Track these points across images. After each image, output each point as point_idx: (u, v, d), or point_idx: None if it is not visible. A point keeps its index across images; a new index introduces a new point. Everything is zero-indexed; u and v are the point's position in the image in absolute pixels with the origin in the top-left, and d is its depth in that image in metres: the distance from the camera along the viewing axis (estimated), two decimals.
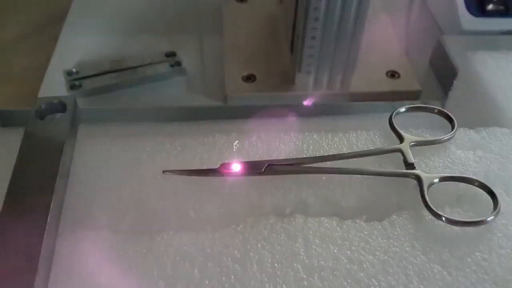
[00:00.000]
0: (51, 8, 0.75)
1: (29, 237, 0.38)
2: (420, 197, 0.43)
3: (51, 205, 0.40)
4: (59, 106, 0.48)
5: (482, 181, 0.44)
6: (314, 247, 0.41)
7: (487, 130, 0.51)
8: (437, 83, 0.64)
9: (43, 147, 0.45)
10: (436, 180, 0.44)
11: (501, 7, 0.64)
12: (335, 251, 0.41)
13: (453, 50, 0.61)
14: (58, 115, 0.48)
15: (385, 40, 0.67)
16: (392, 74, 0.62)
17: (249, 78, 0.61)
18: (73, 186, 0.45)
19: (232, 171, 0.45)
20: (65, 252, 0.40)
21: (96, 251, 0.40)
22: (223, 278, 0.39)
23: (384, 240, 0.41)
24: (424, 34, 0.71)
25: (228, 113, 0.55)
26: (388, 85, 0.61)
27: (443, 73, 0.63)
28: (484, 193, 0.44)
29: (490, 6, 0.64)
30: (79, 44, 0.66)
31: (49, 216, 0.39)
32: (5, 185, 0.42)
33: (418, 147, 0.48)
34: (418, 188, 0.44)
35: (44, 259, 0.38)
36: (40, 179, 0.42)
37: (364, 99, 0.59)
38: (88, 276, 0.39)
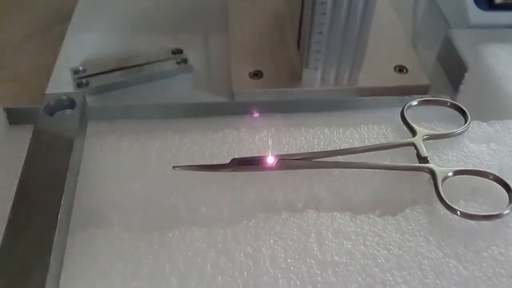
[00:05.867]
0: (57, 7, 0.75)
1: (40, 235, 0.38)
2: (434, 191, 0.43)
3: (62, 202, 0.40)
4: (68, 102, 0.47)
5: (497, 174, 0.44)
6: (328, 242, 0.40)
7: (500, 123, 0.50)
8: (446, 78, 0.63)
9: (52, 144, 0.44)
10: (450, 173, 0.44)
11: (510, 1, 0.64)
12: (348, 246, 0.40)
13: (461, 44, 0.61)
14: (68, 111, 0.47)
15: (393, 34, 0.67)
16: (400, 69, 0.61)
17: (256, 75, 0.60)
18: (83, 183, 0.45)
19: (243, 166, 0.44)
20: (77, 249, 0.40)
21: (107, 248, 0.40)
22: (236, 274, 0.38)
23: (398, 235, 0.41)
24: (432, 29, 0.71)
25: (236, 109, 0.54)
26: (396, 80, 0.60)
27: (451, 68, 0.62)
28: (499, 186, 0.43)
29: (498, 0, 0.63)
30: (86, 42, 0.66)
31: (59, 214, 0.39)
32: (15, 182, 0.41)
33: (431, 140, 0.47)
34: (432, 182, 0.44)
35: (56, 256, 0.37)
36: (50, 176, 0.42)
37: (372, 94, 0.59)
38: (100, 273, 0.38)
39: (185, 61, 0.63)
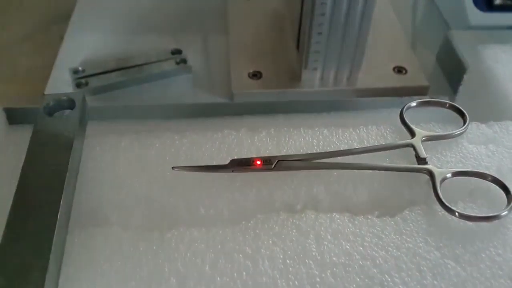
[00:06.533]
0: (56, 7, 0.75)
1: (40, 234, 0.38)
2: (432, 192, 0.43)
3: (61, 202, 0.40)
4: (68, 102, 0.47)
5: (495, 175, 0.44)
6: (326, 243, 0.41)
7: (499, 124, 0.50)
8: (445, 79, 0.63)
9: (52, 144, 0.44)
10: (449, 175, 0.44)
11: (509, 2, 0.64)
12: (347, 247, 0.40)
13: (461, 45, 0.61)
14: (67, 111, 0.47)
15: (392, 35, 0.67)
16: (399, 70, 0.61)
17: (255, 75, 0.60)
18: (83, 183, 0.45)
19: (242, 167, 0.45)
20: (76, 249, 0.40)
21: (107, 247, 0.40)
22: (235, 274, 0.38)
23: (397, 236, 0.41)
24: (431, 30, 0.71)
25: (235, 109, 0.54)
26: (395, 80, 0.60)
27: (450, 69, 0.62)
28: (497, 187, 0.43)
29: (497, 1, 0.63)
30: (85, 43, 0.66)
31: (59, 213, 0.39)
32: (15, 182, 0.41)
33: (429, 141, 0.48)
34: (430, 183, 0.44)
35: (55, 256, 0.37)
36: (49, 176, 0.42)
37: (371, 95, 0.59)
38: (99, 272, 0.38)
39: (184, 61, 0.63)
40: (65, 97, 0.47)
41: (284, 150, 0.48)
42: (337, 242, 0.41)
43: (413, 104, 0.51)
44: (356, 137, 0.49)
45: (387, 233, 0.41)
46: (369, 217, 0.42)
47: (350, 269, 0.39)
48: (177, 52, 0.64)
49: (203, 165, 0.45)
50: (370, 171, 0.45)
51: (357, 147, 0.47)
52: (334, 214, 0.42)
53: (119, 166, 0.46)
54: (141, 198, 0.44)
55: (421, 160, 0.45)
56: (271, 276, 0.38)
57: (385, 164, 0.46)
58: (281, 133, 0.49)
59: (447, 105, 0.51)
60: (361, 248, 0.40)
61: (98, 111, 0.52)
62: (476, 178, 0.45)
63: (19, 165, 0.43)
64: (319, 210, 0.43)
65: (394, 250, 0.40)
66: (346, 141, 0.49)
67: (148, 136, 0.48)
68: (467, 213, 0.42)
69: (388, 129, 0.50)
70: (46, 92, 0.58)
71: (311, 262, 0.39)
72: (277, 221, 0.42)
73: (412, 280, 0.38)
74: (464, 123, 0.49)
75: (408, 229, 0.42)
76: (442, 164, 0.46)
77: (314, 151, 0.47)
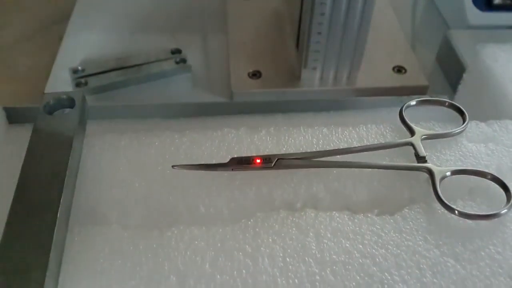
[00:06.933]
0: (55, 7, 0.75)
1: (39, 233, 0.38)
2: (432, 190, 0.43)
3: (61, 201, 0.40)
4: (68, 101, 0.47)
5: (495, 174, 0.44)
6: (326, 241, 0.41)
7: (498, 123, 0.50)
8: (444, 78, 0.63)
9: (51, 142, 0.44)
10: (448, 173, 0.44)
11: (508, 1, 0.64)
12: (347, 245, 0.40)
13: (460, 45, 0.61)
14: (67, 110, 0.47)
15: (391, 35, 0.67)
16: (399, 70, 0.61)
17: (255, 75, 0.60)
18: (83, 182, 0.45)
19: (242, 165, 0.45)
20: (76, 247, 0.40)
21: (106, 246, 0.40)
22: (235, 272, 0.38)
23: (397, 234, 0.41)
24: (431, 29, 0.71)
25: (235, 109, 0.54)
26: (395, 80, 0.60)
27: (450, 68, 0.62)
28: (497, 186, 0.44)
29: (497, 0, 0.64)
30: (84, 42, 0.66)
31: (59, 212, 0.39)
32: (15, 181, 0.41)
33: (429, 140, 0.48)
34: (430, 182, 0.44)
35: (55, 254, 0.37)
36: (49, 174, 0.42)
37: (370, 94, 0.59)
38: (99, 271, 0.38)
39: (183, 61, 0.63)
40: (65, 96, 0.48)
41: (284, 149, 0.48)
42: (336, 240, 0.41)
43: (413, 103, 0.51)
44: (355, 136, 0.49)
45: (386, 231, 0.41)
46: (369, 215, 0.42)
47: (349, 267, 0.39)
48: (176, 51, 0.64)
49: (203, 163, 0.45)
50: (370, 169, 0.46)
51: (356, 146, 0.48)
52: (334, 212, 0.42)
53: (119, 165, 0.46)
54: (141, 196, 0.44)
55: (421, 159, 0.46)
56: (271, 274, 0.38)
57: (384, 162, 0.46)
58: (281, 131, 0.49)
59: (447, 103, 0.51)
60: (360, 246, 0.40)
61: (98, 110, 0.52)
62: (475, 177, 0.45)
63: (19, 164, 0.43)
64: (319, 208, 0.43)
65: (394, 248, 0.40)
66: (345, 139, 0.49)
67: (147, 135, 0.49)
68: (466, 211, 0.42)
69: (388, 128, 0.50)
70: (45, 92, 0.58)
71: (311, 260, 0.39)
72: (277, 219, 0.42)
73: (411, 278, 0.38)
74: (464, 121, 0.49)
75: (408, 227, 0.42)
76: (441, 162, 0.47)
77: (314, 150, 0.47)
